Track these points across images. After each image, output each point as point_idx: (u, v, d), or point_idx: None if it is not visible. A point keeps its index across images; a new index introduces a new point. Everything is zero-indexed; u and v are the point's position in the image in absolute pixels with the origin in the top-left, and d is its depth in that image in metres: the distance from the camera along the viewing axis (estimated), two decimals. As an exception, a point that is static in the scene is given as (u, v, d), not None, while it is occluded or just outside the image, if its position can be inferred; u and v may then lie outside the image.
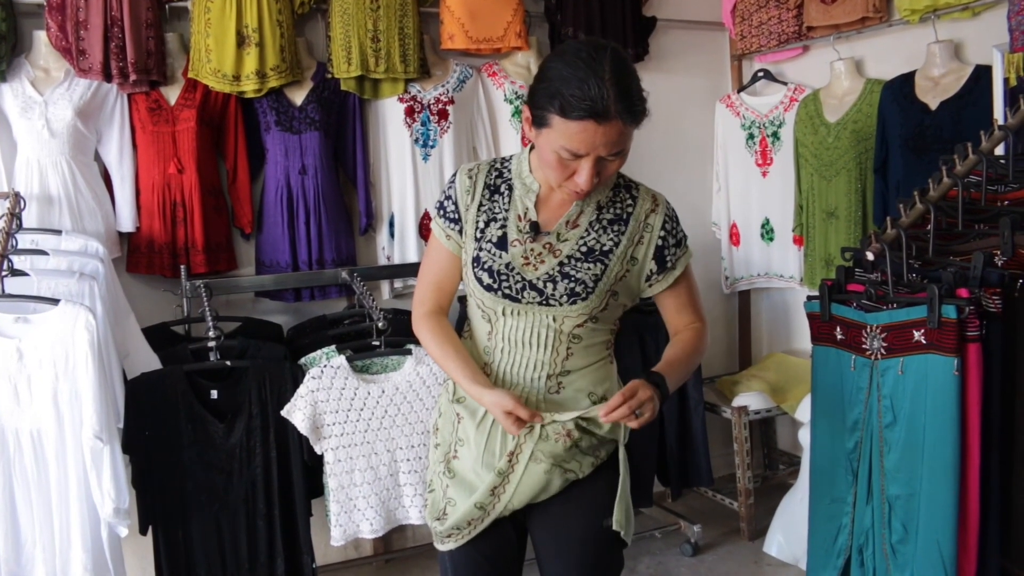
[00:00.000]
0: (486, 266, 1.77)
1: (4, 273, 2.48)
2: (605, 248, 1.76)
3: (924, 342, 2.15)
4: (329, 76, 3.35)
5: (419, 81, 3.47)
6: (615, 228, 1.77)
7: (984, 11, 3.20)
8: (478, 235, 1.80)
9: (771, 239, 4.04)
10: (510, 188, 1.81)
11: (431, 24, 3.57)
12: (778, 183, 3.96)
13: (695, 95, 4.23)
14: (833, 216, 3.67)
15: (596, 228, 1.77)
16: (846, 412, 2.37)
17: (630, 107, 1.59)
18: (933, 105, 3.25)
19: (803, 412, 3.53)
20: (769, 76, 4.05)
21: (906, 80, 3.37)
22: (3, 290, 2.47)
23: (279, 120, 3.27)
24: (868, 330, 2.29)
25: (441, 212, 1.86)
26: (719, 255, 4.26)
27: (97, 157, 3.15)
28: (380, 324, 2.93)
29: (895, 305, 2.25)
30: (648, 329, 3.43)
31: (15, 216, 2.65)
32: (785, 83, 4.00)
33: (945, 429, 2.12)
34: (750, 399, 3.74)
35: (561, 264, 1.75)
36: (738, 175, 4.13)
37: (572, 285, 1.74)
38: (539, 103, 1.65)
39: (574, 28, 3.69)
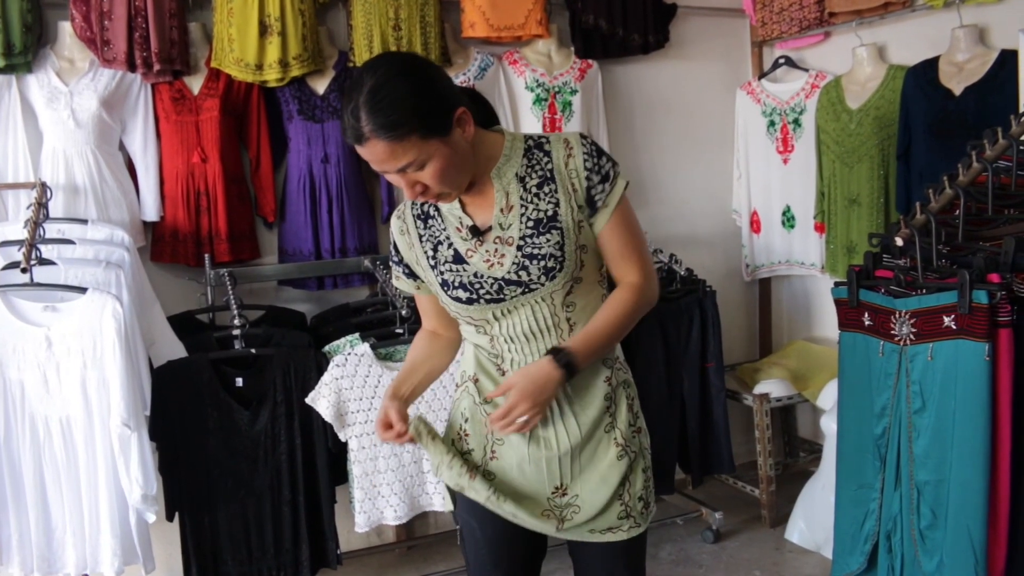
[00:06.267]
0: (456, 284, 1.73)
1: (32, 262, 2.49)
2: (550, 213, 1.71)
3: (954, 327, 2.13)
4: (351, 65, 3.35)
5: (440, 69, 3.47)
6: (546, 190, 1.72)
7: (1010, -5, 3.17)
8: (432, 263, 1.77)
9: (792, 226, 4.02)
10: (437, 207, 1.78)
11: (452, 12, 3.57)
12: (799, 170, 3.95)
13: (716, 82, 4.21)
14: (855, 203, 3.65)
15: (531, 199, 1.72)
16: (874, 398, 2.36)
17: (383, 125, 1.53)
18: (957, 91, 3.22)
19: (824, 399, 3.52)
20: (790, 63, 4.03)
21: (930, 66, 3.35)
22: (32, 279, 2.49)
23: (302, 109, 3.28)
24: (897, 316, 2.28)
25: (398, 267, 1.86)
26: (740, 242, 4.25)
27: (121, 147, 3.17)
28: (403, 312, 2.94)
29: (924, 291, 2.23)
30: (670, 317, 3.42)
31: (42, 206, 2.67)
32: (806, 70, 3.97)
33: (975, 415, 2.11)
34: (771, 386, 3.73)
35: (520, 248, 1.70)
36: (759, 162, 4.11)
37: (542, 262, 1.69)
38: None
39: (595, 16, 3.68)
